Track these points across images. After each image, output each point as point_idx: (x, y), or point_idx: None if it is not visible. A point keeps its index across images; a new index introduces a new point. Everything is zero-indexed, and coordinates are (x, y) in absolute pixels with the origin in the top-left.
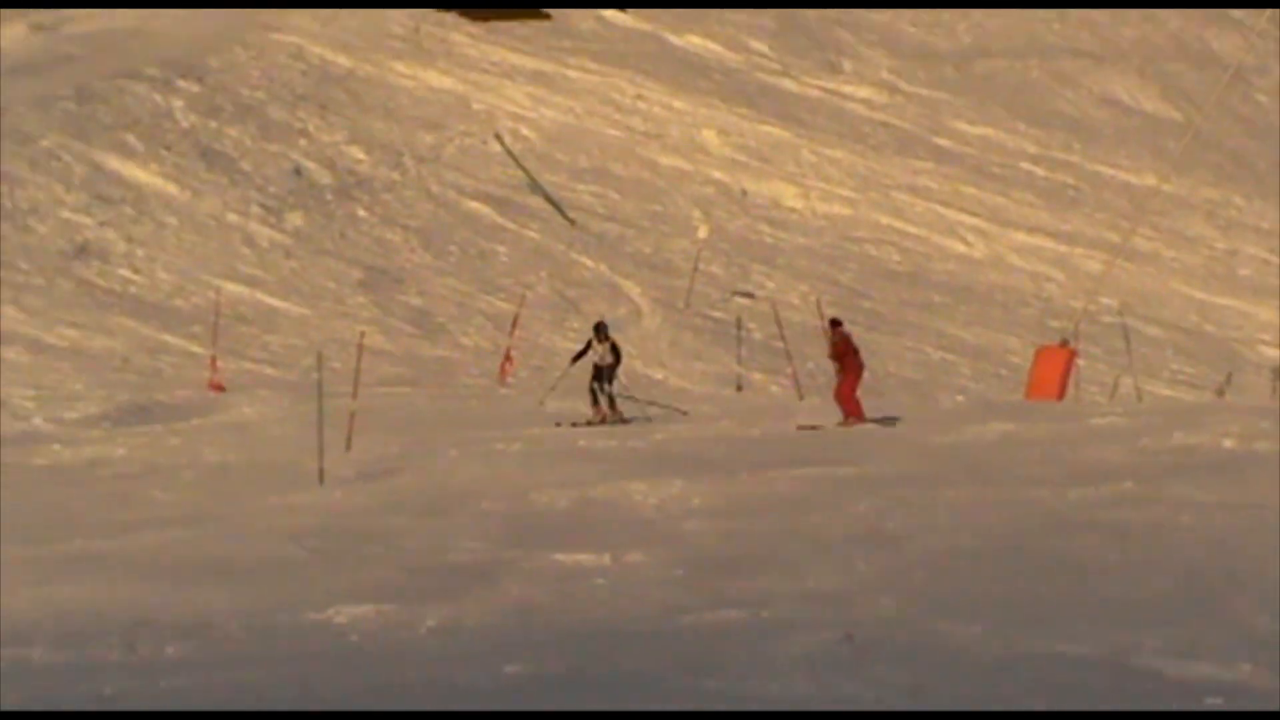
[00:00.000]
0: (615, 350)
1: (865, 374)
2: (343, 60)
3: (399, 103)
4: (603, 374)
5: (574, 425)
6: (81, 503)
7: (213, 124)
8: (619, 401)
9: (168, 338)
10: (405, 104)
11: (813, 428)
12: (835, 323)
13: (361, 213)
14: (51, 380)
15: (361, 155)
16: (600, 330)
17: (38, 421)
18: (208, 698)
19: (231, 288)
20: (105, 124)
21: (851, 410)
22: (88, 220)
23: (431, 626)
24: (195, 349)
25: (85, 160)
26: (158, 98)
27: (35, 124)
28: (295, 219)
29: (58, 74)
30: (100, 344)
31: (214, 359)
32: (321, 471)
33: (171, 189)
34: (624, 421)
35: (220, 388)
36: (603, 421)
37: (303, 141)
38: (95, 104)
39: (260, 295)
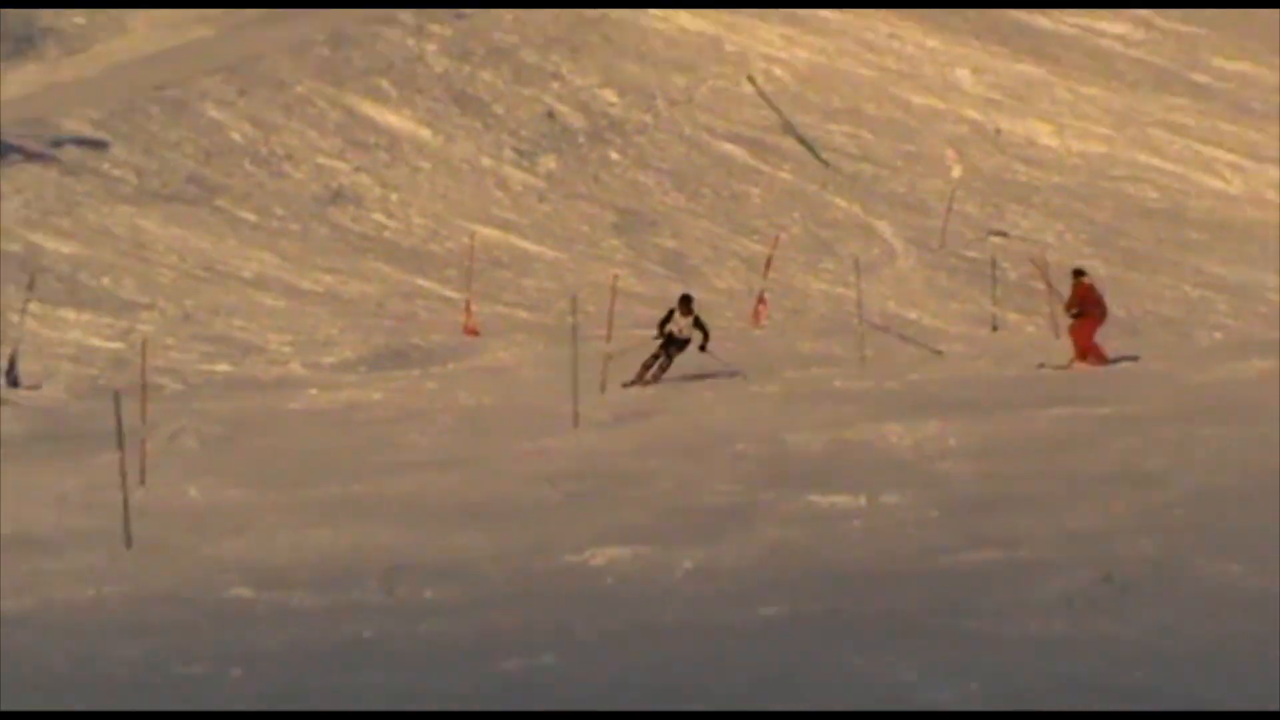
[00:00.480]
0: (701, 327)
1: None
2: None
3: (651, 45)
4: (675, 344)
5: (623, 386)
6: (338, 447)
7: (466, 68)
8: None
9: (422, 282)
10: (658, 46)
11: (1044, 366)
12: (1079, 273)
13: (614, 155)
14: (308, 325)
15: (614, 98)
16: (686, 303)
17: (295, 366)
18: (466, 640)
19: (485, 232)
20: (359, 69)
21: (1092, 352)
22: (342, 165)
23: (688, 568)
24: (450, 293)
25: (339, 105)
26: (411, 42)
27: (289, 70)
28: (548, 162)
29: (312, 19)
30: (356, 289)
31: (468, 303)
32: (576, 414)
33: (425, 133)
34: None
35: (475, 332)
36: (638, 383)
37: (555, 85)
38: (349, 49)
39: (514, 239)
